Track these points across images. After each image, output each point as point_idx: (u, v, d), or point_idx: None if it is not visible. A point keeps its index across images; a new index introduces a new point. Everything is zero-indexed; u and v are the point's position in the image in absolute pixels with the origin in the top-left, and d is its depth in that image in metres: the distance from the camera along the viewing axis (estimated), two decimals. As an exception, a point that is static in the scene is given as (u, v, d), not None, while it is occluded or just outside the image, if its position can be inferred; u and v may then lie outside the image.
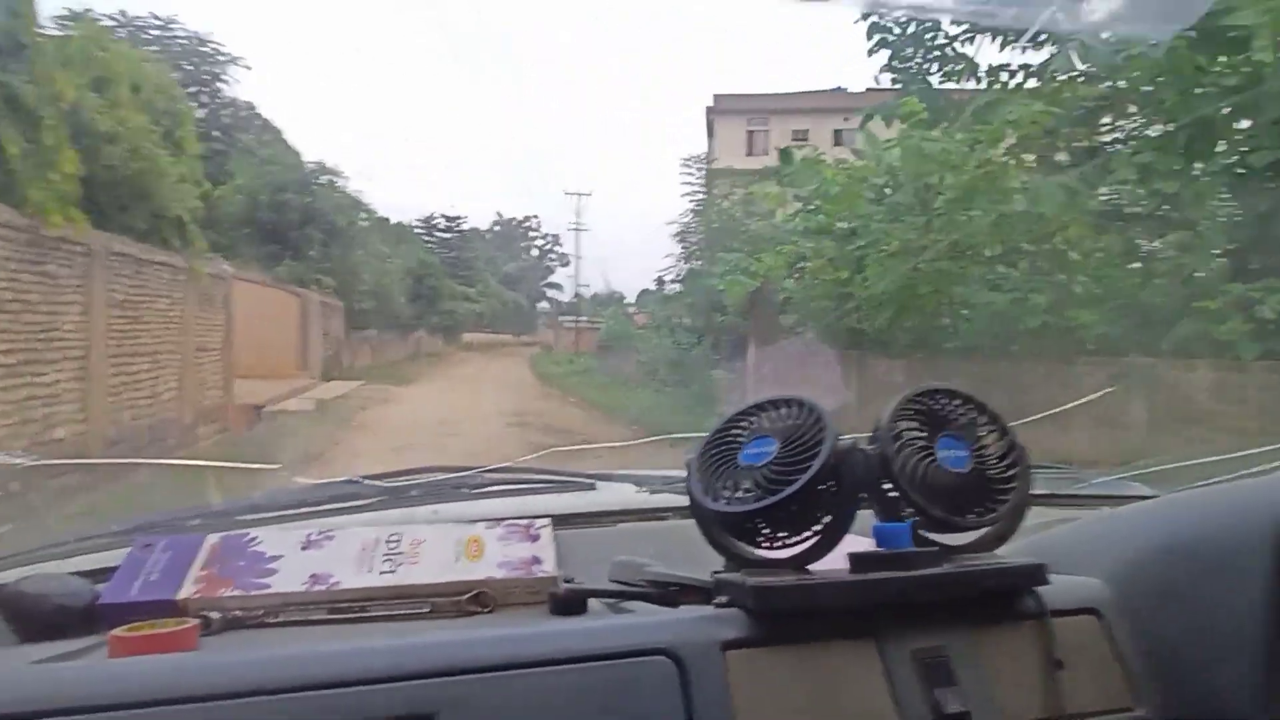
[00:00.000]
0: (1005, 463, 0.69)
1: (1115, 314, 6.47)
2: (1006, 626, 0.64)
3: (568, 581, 0.69)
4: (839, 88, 16.75)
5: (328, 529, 0.70)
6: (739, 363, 9.77)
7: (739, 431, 0.69)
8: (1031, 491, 0.71)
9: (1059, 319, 6.62)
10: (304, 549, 0.68)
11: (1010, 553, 0.71)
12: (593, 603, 0.68)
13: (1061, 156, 7.28)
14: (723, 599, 0.63)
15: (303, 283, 13.88)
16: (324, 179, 15.89)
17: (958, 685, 0.60)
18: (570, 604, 0.67)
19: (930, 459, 0.67)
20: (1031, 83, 7.09)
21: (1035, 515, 0.82)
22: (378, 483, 0.87)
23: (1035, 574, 0.64)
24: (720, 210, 14.49)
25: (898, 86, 7.82)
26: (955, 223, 6.67)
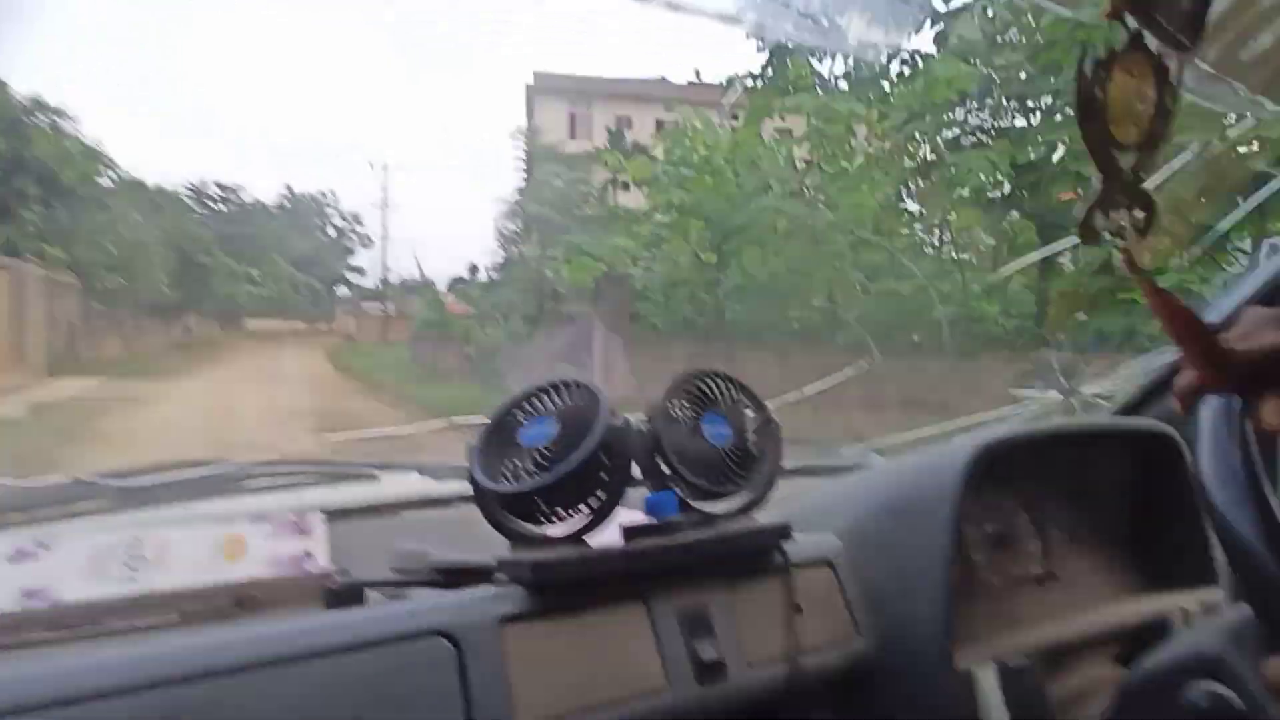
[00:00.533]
0: (761, 437, 0.77)
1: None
2: (758, 580, 0.72)
3: (342, 574, 0.67)
4: (662, 78, 16.93)
5: (45, 537, 0.61)
6: (584, 354, 9.41)
7: (519, 414, 0.71)
8: (785, 463, 0.80)
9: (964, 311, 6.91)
10: (12, 561, 0.59)
11: (763, 517, 0.80)
12: (373, 594, 0.67)
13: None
14: (503, 577, 0.65)
15: (14, 251, 11.07)
16: (43, 120, 12.75)
17: (715, 636, 0.67)
18: (344, 597, 0.65)
19: (696, 434, 0.73)
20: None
21: (792, 485, 0.93)
22: (116, 481, 0.77)
23: (782, 533, 0.73)
24: (555, 190, 13.71)
25: (719, 83, 8.00)
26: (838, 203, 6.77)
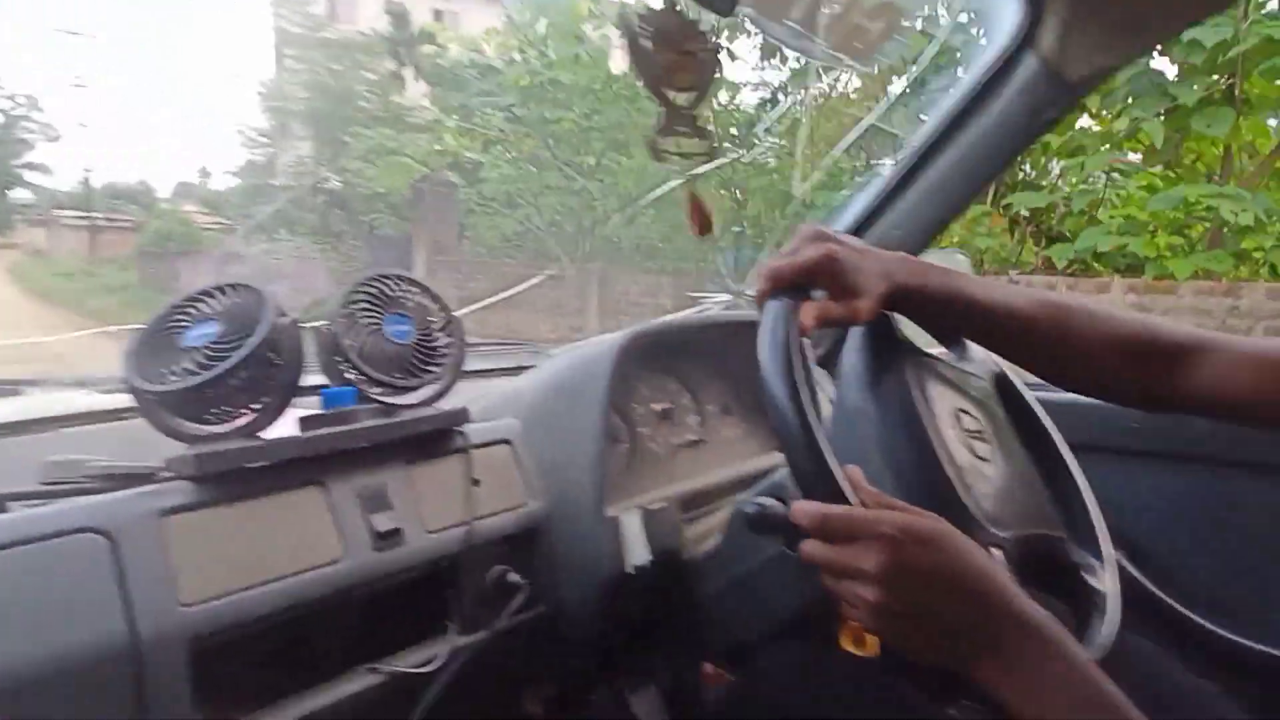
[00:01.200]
0: (444, 335, 0.84)
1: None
2: (438, 460, 0.81)
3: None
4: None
5: None
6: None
7: (182, 318, 0.71)
8: (483, 364, 0.89)
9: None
10: None
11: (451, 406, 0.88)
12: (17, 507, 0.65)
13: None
14: (167, 474, 0.67)
15: None
16: None
17: (393, 509, 0.75)
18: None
19: (377, 333, 0.79)
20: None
21: (489, 383, 1.03)
22: None
23: (458, 417, 0.82)
24: (323, 81, 11.61)
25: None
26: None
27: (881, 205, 1.15)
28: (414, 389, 0.81)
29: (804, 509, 0.56)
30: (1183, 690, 0.77)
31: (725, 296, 1.29)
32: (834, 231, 0.70)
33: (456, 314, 0.87)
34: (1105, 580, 0.70)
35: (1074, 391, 0.75)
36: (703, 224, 0.59)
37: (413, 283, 0.84)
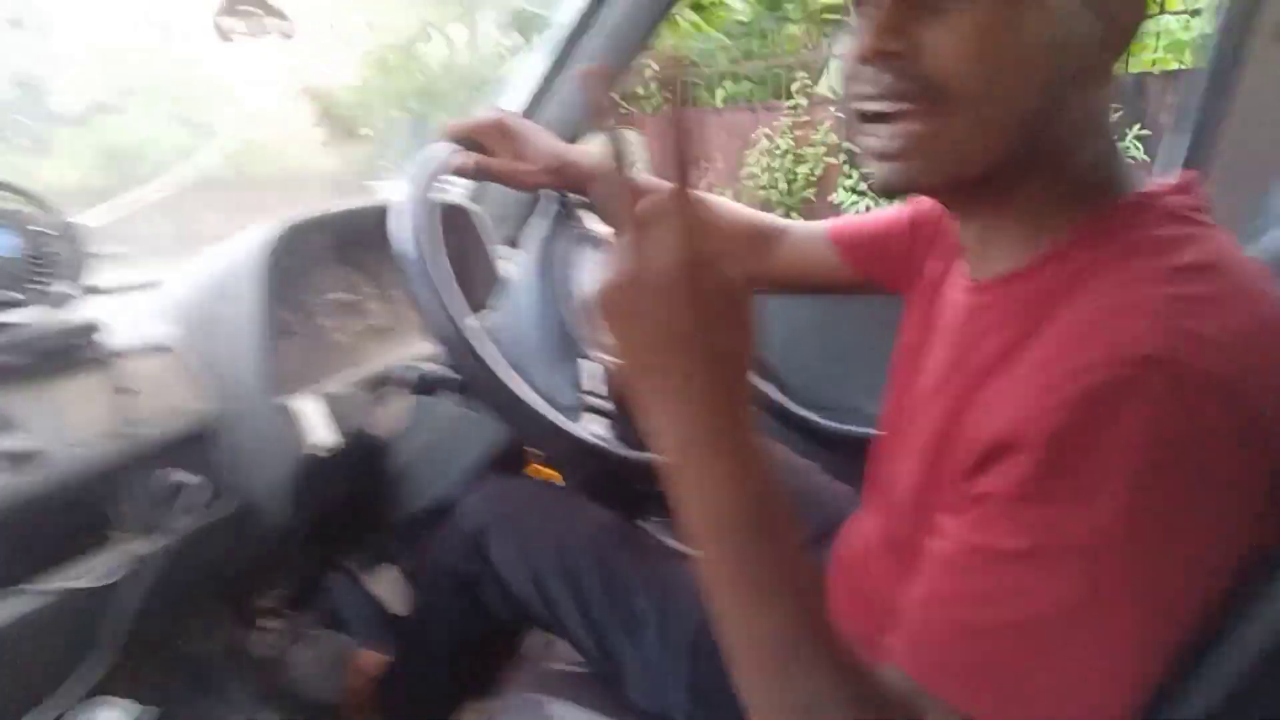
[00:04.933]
0: (60, 243, 0.78)
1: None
2: (77, 375, 0.77)
3: None
4: None
5: None
6: None
7: None
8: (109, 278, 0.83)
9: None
10: None
11: (115, 322, 0.82)
12: None
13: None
14: None
15: None
16: None
17: (28, 430, 0.71)
18: None
19: None
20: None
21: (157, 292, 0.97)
22: None
23: (88, 330, 0.78)
24: None
25: None
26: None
27: (543, 86, 1.21)
28: (19, 305, 0.75)
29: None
30: (794, 467, 1.00)
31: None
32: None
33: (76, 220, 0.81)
34: None
35: None
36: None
37: (10, 188, 0.76)
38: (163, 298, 0.93)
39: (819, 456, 1.03)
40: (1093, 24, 0.43)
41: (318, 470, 0.89)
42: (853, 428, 1.19)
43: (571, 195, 0.88)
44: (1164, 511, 0.36)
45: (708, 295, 0.40)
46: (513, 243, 1.34)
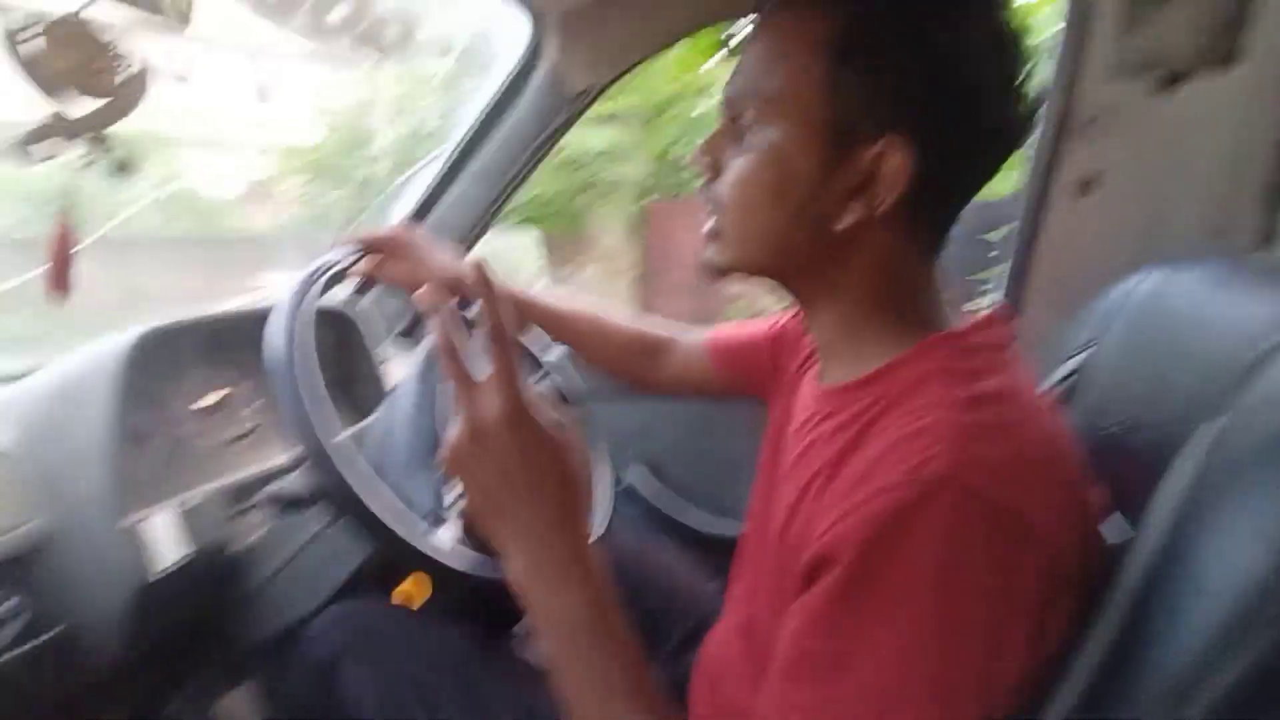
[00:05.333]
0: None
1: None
2: None
3: None
4: None
5: None
6: None
7: None
8: None
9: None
10: None
11: None
12: None
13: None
14: None
15: None
16: None
17: None
18: None
19: None
20: None
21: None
22: None
23: None
24: None
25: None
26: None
27: (436, 192, 1.25)
28: None
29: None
30: (664, 570, 1.01)
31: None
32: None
33: None
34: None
35: (607, 374, 0.98)
36: (58, 278, 0.61)
37: None
38: (6, 396, 0.86)
39: (702, 556, 1.05)
40: (843, 176, 0.50)
41: (164, 591, 0.83)
42: (726, 529, 1.22)
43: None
44: (954, 617, 0.41)
45: (530, 444, 0.49)
46: (406, 333, 1.33)
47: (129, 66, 0.56)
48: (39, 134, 0.53)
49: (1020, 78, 0.51)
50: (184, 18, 0.61)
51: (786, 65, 0.51)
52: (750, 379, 0.86)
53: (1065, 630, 0.44)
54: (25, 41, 0.51)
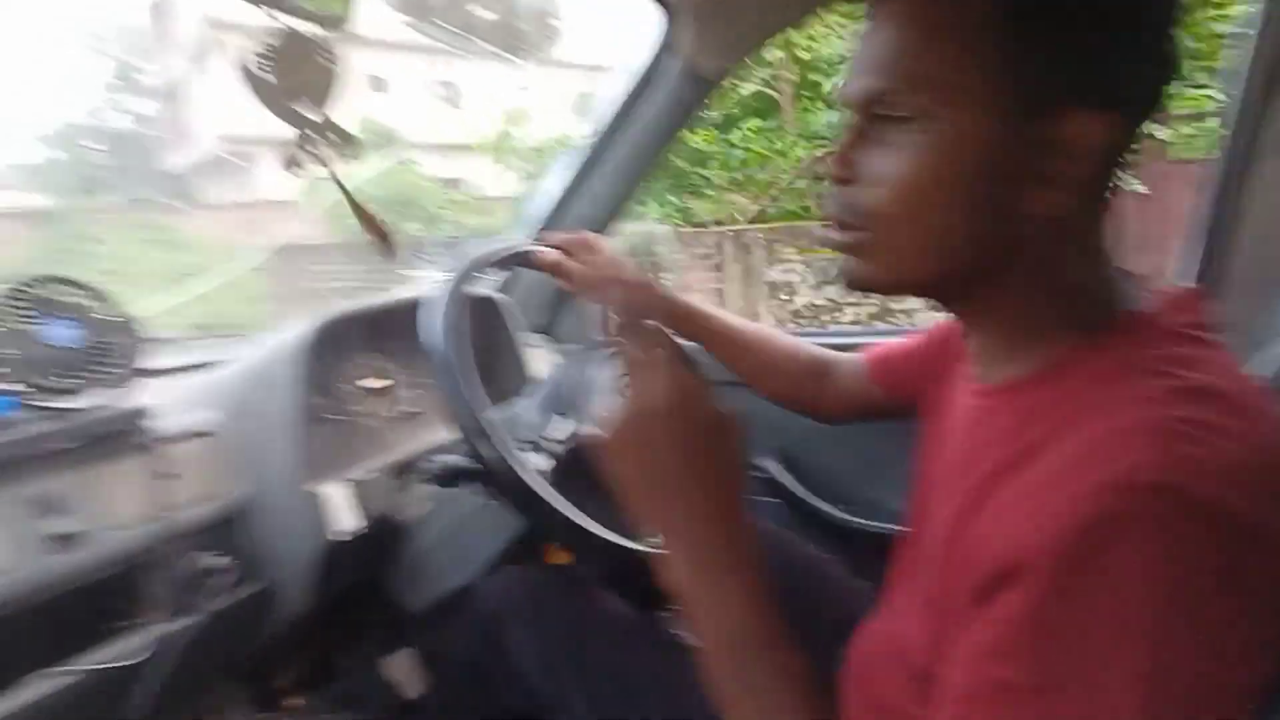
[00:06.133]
0: (115, 335, 0.84)
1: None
2: (122, 459, 0.82)
3: None
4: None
5: None
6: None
7: None
8: (186, 358, 0.89)
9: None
10: None
11: (161, 406, 0.88)
12: None
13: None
14: None
15: None
16: None
17: (70, 513, 0.76)
18: None
19: (33, 339, 0.77)
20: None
21: (197, 376, 1.03)
22: None
23: (135, 415, 0.83)
24: None
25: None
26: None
27: (571, 191, 1.29)
28: (78, 391, 0.81)
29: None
30: (811, 561, 0.99)
31: (437, 271, 1.37)
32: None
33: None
34: None
35: (773, 399, 0.93)
36: (382, 237, 0.67)
37: (75, 284, 0.83)
38: (208, 383, 0.99)
39: (839, 551, 1.02)
40: (1027, 158, 0.45)
41: (340, 555, 0.92)
42: (873, 523, 1.18)
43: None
44: (1171, 638, 0.36)
45: (694, 429, 0.46)
46: (543, 330, 1.39)
47: (325, 52, 0.62)
48: (297, 146, 0.60)
49: (1180, 11, 0.45)
50: (339, 21, 0.66)
51: (946, 47, 0.45)
52: (913, 393, 0.81)
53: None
54: (262, 70, 0.57)
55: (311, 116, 0.65)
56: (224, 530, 0.88)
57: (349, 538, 0.91)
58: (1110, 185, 0.48)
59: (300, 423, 0.90)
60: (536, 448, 0.86)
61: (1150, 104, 0.46)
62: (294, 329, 0.94)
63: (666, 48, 1.15)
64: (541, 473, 0.77)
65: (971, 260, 0.48)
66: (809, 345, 0.94)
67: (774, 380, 0.93)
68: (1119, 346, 0.46)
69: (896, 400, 0.84)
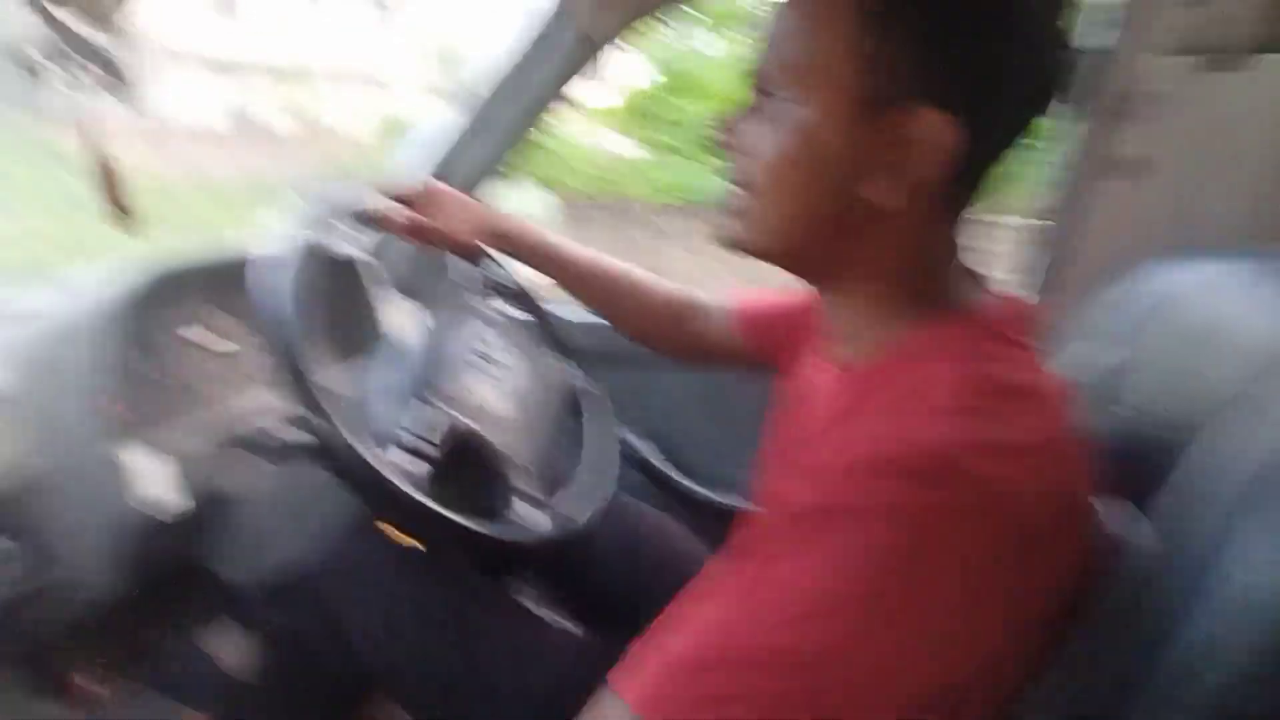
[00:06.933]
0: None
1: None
2: None
3: None
4: None
5: None
6: None
7: None
8: None
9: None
10: None
11: None
12: None
13: None
14: None
15: None
16: None
17: None
18: None
19: None
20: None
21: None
22: None
23: None
24: None
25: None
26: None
27: (454, 145, 1.21)
28: None
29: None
30: (664, 527, 1.00)
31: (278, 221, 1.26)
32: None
33: None
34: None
35: (634, 340, 0.92)
36: (120, 208, 0.56)
37: None
38: (10, 337, 0.84)
39: (690, 523, 1.04)
40: (875, 147, 0.47)
41: (159, 534, 0.82)
42: (730, 500, 1.21)
43: (489, 274, 0.91)
44: (909, 571, 0.40)
45: None
46: (409, 292, 1.30)
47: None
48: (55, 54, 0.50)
49: (1063, 42, 0.47)
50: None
51: (817, 35, 0.48)
52: (772, 353, 0.82)
53: (1061, 621, 0.44)
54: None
55: (84, 34, 0.55)
56: (12, 508, 0.76)
57: (171, 517, 0.82)
58: (961, 192, 0.51)
59: (107, 383, 0.79)
60: (402, 445, 0.77)
61: (1013, 126, 0.49)
62: (112, 279, 0.82)
63: (562, 11, 1.10)
64: (416, 477, 0.71)
65: (822, 238, 0.52)
66: (672, 285, 0.93)
67: (625, 314, 0.91)
68: (940, 337, 0.50)
69: (756, 357, 0.86)
